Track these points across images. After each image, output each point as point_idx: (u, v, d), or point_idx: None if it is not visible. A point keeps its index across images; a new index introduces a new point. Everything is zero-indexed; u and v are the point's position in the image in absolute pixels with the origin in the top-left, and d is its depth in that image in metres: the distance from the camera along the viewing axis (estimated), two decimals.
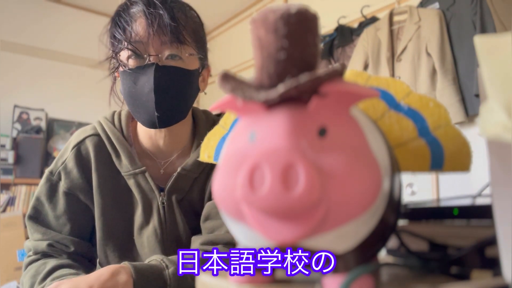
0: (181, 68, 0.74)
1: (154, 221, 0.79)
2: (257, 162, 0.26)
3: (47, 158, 3.37)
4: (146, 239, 0.80)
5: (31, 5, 3.44)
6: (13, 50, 3.32)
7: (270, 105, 0.29)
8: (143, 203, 0.80)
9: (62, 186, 0.81)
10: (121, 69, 0.76)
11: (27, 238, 0.82)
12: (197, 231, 0.83)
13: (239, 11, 3.58)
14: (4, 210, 3.10)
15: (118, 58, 0.76)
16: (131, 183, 0.80)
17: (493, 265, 0.30)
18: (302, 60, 0.28)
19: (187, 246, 0.81)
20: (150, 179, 0.80)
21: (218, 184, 0.29)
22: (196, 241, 0.78)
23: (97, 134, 0.82)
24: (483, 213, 0.35)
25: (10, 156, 3.17)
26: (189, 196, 0.82)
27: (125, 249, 0.81)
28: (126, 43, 0.73)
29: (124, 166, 0.80)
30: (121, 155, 0.80)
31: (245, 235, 0.30)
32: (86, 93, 3.53)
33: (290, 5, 0.28)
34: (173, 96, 0.74)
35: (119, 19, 0.74)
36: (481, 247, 0.31)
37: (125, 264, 0.67)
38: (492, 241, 0.30)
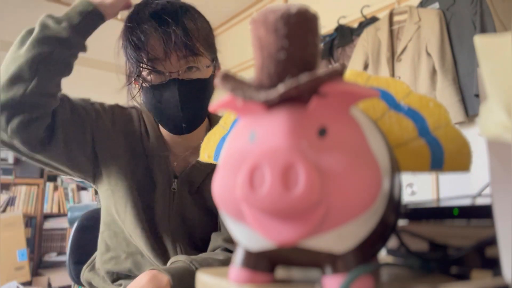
0: (200, 80, 0.79)
1: (165, 203, 0.84)
2: (257, 162, 0.26)
3: None
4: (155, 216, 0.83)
5: (31, 5, 3.44)
6: None
7: (270, 105, 0.29)
8: (159, 183, 0.84)
9: (94, 103, 0.85)
10: (144, 85, 0.79)
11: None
12: (207, 223, 0.86)
13: (239, 11, 3.58)
14: (4, 210, 3.10)
15: (139, 74, 0.79)
16: (152, 162, 0.84)
17: (493, 265, 0.30)
18: (302, 60, 0.28)
19: (191, 233, 0.85)
20: (170, 164, 0.85)
21: (218, 184, 0.29)
22: (217, 238, 0.83)
23: (137, 111, 0.89)
24: (483, 213, 0.35)
25: (10, 156, 3.17)
26: (202, 189, 0.86)
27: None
28: (144, 64, 0.76)
29: (151, 145, 0.85)
30: (150, 136, 0.86)
31: (245, 235, 0.30)
32: (86, 93, 3.52)
33: (290, 5, 0.28)
34: (196, 105, 0.80)
35: (132, 38, 0.76)
36: (481, 247, 0.31)
37: (159, 268, 0.71)
38: (492, 241, 0.30)
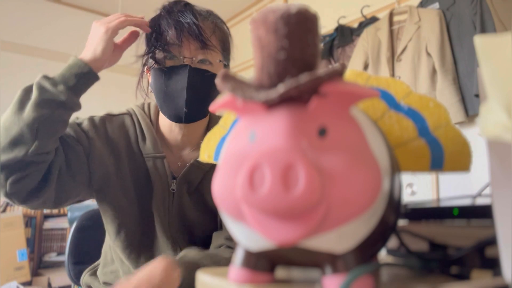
0: (210, 72, 0.83)
1: (164, 205, 0.85)
2: (257, 162, 0.26)
3: None
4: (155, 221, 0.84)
5: (31, 5, 3.44)
6: (13, 50, 3.31)
7: (270, 105, 0.29)
8: (157, 186, 0.85)
9: (83, 127, 0.84)
10: (155, 66, 0.83)
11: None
12: (207, 222, 0.87)
13: (239, 11, 3.58)
14: (4, 210, 3.09)
15: (154, 56, 0.83)
16: (150, 165, 0.86)
17: (493, 265, 0.30)
18: (302, 60, 0.28)
19: (191, 234, 0.86)
20: (167, 165, 0.86)
21: (218, 184, 0.29)
22: (219, 236, 0.84)
23: (130, 115, 0.91)
24: (483, 213, 0.35)
25: None
26: (201, 188, 0.87)
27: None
28: (163, 45, 0.81)
29: (147, 148, 0.86)
30: (146, 138, 0.87)
31: (245, 235, 0.30)
32: (85, 92, 3.52)
33: (290, 5, 0.28)
34: (201, 96, 0.83)
35: (157, 24, 0.82)
36: (481, 247, 0.31)
37: (173, 259, 0.71)
38: (492, 241, 0.30)
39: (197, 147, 0.91)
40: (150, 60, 0.84)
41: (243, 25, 3.49)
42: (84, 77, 0.76)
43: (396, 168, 0.32)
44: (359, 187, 0.26)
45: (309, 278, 0.34)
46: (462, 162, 0.36)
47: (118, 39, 0.83)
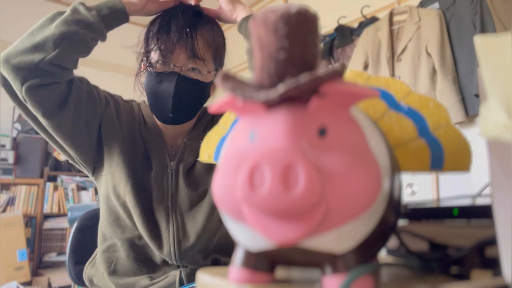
0: (198, 81, 0.87)
1: (163, 183, 0.90)
2: (257, 162, 0.26)
3: (47, 158, 3.36)
4: (154, 201, 0.89)
5: (31, 5, 3.44)
6: None
7: (270, 105, 0.29)
8: (156, 166, 0.90)
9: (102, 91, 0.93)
10: (149, 69, 0.88)
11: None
12: (200, 201, 0.91)
13: None
14: (4, 210, 3.09)
15: (148, 58, 0.88)
16: (150, 148, 0.92)
17: (493, 265, 0.30)
18: (302, 60, 0.28)
19: (184, 212, 0.90)
20: (165, 148, 0.93)
21: (218, 184, 0.29)
22: None
23: (138, 104, 0.99)
24: (483, 213, 0.35)
25: (10, 156, 3.16)
26: (197, 165, 0.93)
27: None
28: (156, 50, 0.86)
29: (149, 133, 0.93)
30: (147, 125, 0.94)
31: (245, 235, 0.30)
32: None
33: (290, 5, 0.28)
34: (188, 103, 0.88)
35: (157, 28, 0.87)
36: (481, 247, 0.31)
37: None
38: (492, 241, 0.30)
39: (187, 138, 0.97)
40: (145, 60, 0.89)
41: None
42: (116, 12, 0.84)
43: (396, 168, 0.32)
44: (359, 187, 0.26)
45: (309, 278, 0.34)
46: (462, 162, 0.36)
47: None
